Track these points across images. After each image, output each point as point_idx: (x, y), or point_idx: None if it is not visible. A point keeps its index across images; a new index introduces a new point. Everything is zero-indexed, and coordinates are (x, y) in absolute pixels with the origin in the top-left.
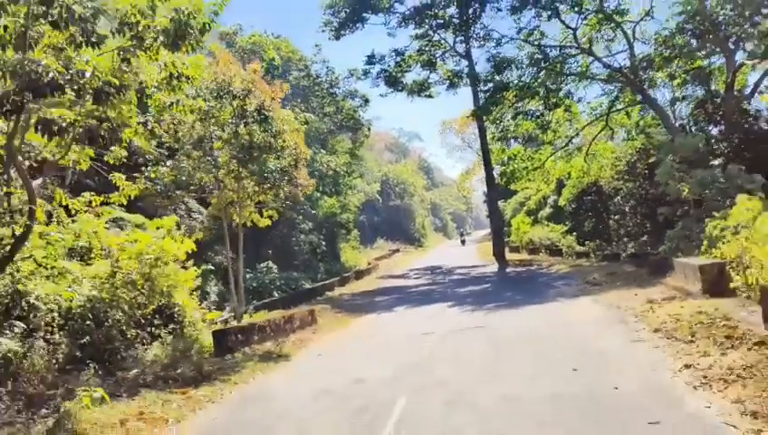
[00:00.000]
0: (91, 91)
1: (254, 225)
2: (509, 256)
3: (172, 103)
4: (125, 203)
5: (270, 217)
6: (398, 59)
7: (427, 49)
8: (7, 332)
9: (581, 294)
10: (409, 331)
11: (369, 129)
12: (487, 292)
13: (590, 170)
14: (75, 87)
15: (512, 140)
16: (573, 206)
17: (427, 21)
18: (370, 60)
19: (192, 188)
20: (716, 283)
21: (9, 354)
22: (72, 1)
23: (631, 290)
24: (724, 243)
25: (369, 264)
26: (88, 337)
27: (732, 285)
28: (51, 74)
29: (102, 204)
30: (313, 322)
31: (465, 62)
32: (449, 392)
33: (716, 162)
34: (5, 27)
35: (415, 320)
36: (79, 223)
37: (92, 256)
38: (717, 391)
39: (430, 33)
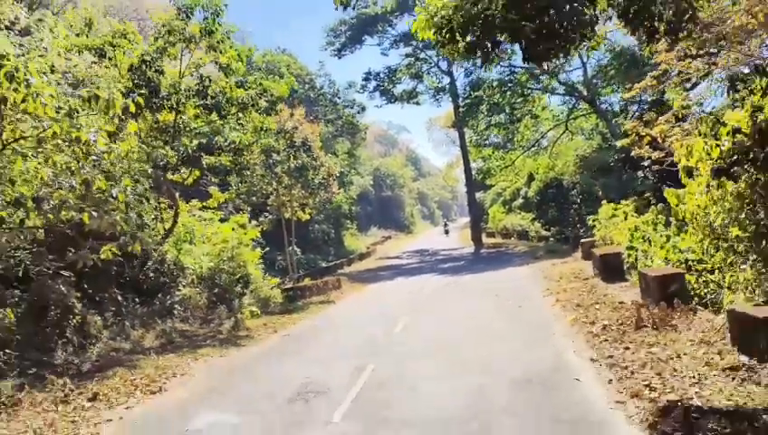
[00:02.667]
0: (234, 149)
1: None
2: (485, 240)
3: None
4: (216, 206)
5: (309, 214)
6: (391, 75)
7: (414, 63)
8: (182, 285)
9: (523, 263)
10: (407, 289)
11: (365, 132)
12: (462, 266)
13: (554, 167)
14: (226, 148)
15: (487, 143)
16: (538, 198)
17: (414, 42)
18: (367, 77)
19: (258, 194)
20: (588, 253)
21: (187, 296)
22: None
23: (553, 260)
24: (596, 229)
25: (368, 248)
26: (216, 290)
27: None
28: (217, 142)
29: (202, 208)
30: (339, 286)
31: (447, 79)
32: (433, 314)
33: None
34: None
35: (409, 283)
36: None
37: (195, 241)
38: (556, 296)
39: (417, 51)
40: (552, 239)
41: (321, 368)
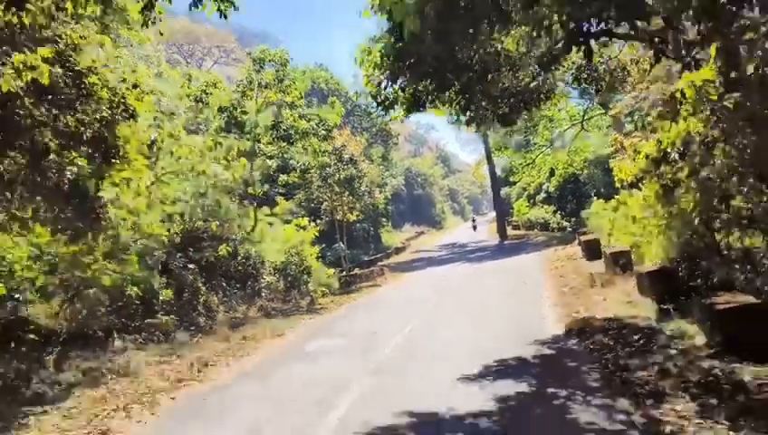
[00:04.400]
0: (302, 169)
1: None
2: (510, 232)
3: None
4: (282, 212)
5: (357, 216)
6: None
7: None
8: (264, 274)
9: (536, 251)
10: (439, 274)
11: (396, 137)
12: (486, 255)
13: (573, 163)
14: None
15: (508, 145)
16: (558, 192)
17: None
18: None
19: (315, 201)
20: (580, 240)
21: (270, 282)
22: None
23: (558, 247)
24: (588, 221)
25: (403, 243)
26: (288, 278)
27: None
28: (291, 164)
29: (270, 215)
30: (383, 274)
31: None
32: (458, 290)
33: None
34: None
35: (440, 270)
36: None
37: (269, 240)
38: (550, 272)
39: None
40: (569, 230)
41: (378, 324)
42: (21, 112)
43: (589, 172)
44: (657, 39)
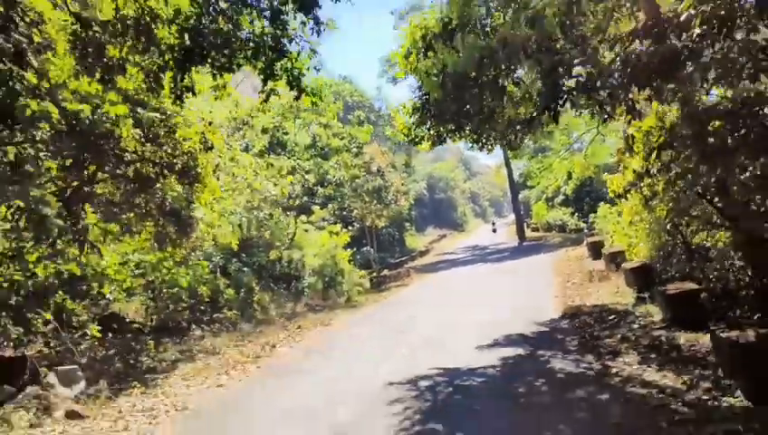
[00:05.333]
0: (336, 183)
1: (367, 227)
2: (529, 234)
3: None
4: (317, 220)
5: (385, 223)
6: None
7: None
8: (304, 277)
9: (549, 252)
10: (461, 274)
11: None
12: (505, 256)
13: (589, 166)
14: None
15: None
16: (575, 195)
17: None
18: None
19: (346, 209)
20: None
21: (312, 283)
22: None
23: (570, 248)
24: (596, 223)
25: (426, 247)
26: (326, 278)
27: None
28: (327, 179)
29: (307, 222)
30: (409, 275)
31: None
32: (477, 288)
33: None
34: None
35: (463, 270)
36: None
37: (307, 245)
38: (558, 269)
39: None
40: (585, 231)
41: (409, 314)
42: (128, 149)
43: (604, 176)
44: (605, 105)
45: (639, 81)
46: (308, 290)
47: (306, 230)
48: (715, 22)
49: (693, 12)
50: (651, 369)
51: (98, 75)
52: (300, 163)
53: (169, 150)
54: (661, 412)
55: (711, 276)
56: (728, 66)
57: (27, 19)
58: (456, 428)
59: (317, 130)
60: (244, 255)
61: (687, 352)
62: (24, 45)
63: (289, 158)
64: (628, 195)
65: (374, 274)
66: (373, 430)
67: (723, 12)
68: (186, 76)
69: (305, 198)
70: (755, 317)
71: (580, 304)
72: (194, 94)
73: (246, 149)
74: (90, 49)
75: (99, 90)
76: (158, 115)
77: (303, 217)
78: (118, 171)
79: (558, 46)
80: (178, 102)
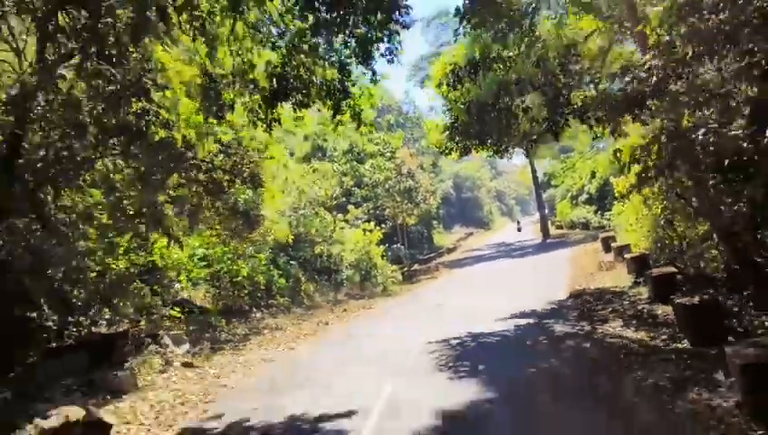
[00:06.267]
0: (373, 184)
1: (399, 224)
2: (553, 232)
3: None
4: (352, 218)
5: (415, 221)
6: None
7: None
8: (342, 270)
9: (570, 247)
10: (485, 268)
11: None
12: (528, 252)
13: (614, 165)
14: (369, 184)
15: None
16: (598, 193)
17: None
18: None
19: (379, 208)
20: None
21: (350, 276)
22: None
23: (588, 244)
24: (612, 220)
25: (453, 244)
26: (362, 272)
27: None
28: (364, 182)
29: (344, 220)
30: (438, 270)
31: None
32: (500, 278)
33: None
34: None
35: (488, 265)
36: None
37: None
38: (575, 262)
39: None
40: (607, 228)
41: (443, 297)
42: (205, 160)
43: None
44: (593, 127)
45: (615, 114)
46: (346, 281)
47: (342, 228)
48: (668, 70)
49: (655, 62)
50: (629, 330)
51: (215, 113)
52: (338, 167)
53: (238, 160)
54: (624, 352)
55: (687, 262)
56: (677, 101)
57: (160, 78)
58: (477, 362)
59: (354, 136)
60: (290, 249)
61: (661, 320)
62: (150, 87)
63: (328, 162)
64: (630, 196)
65: (405, 268)
66: (422, 365)
67: (673, 63)
68: (274, 111)
69: (343, 199)
70: (729, 296)
71: (586, 288)
72: (280, 124)
73: (291, 155)
74: (212, 93)
75: (206, 120)
76: (232, 132)
77: (340, 216)
78: (195, 178)
79: (558, 81)
80: (268, 130)
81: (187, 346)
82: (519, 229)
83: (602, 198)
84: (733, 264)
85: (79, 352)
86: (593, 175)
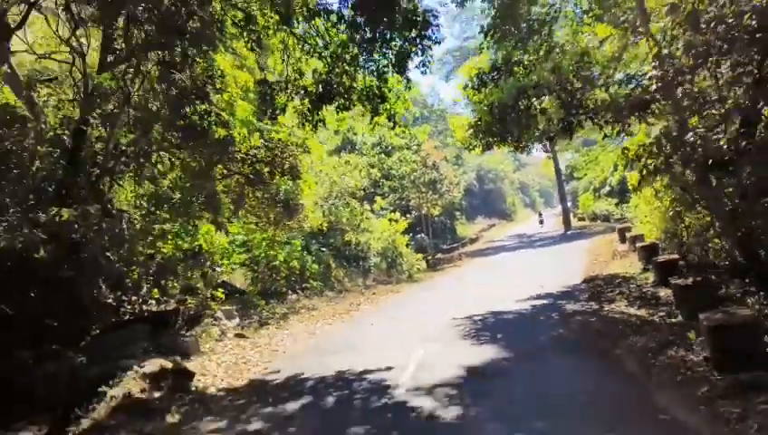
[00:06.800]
0: (400, 176)
1: (423, 215)
2: (575, 223)
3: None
4: (379, 209)
5: (439, 212)
6: None
7: None
8: (370, 258)
9: (589, 238)
10: (507, 257)
11: None
12: (549, 242)
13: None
14: (397, 177)
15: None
16: (620, 185)
17: None
18: None
19: (404, 199)
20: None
21: (377, 263)
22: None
23: (606, 235)
24: (629, 212)
25: (476, 235)
26: (388, 259)
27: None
28: (391, 174)
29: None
30: (461, 259)
31: None
32: (523, 264)
33: None
34: None
35: (511, 254)
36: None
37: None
38: (592, 252)
39: None
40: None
41: (465, 282)
42: (249, 153)
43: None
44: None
45: (621, 116)
46: (374, 268)
47: (368, 218)
48: (666, 79)
49: (654, 73)
50: (632, 308)
51: (268, 115)
52: (367, 159)
53: (278, 153)
54: (624, 324)
55: (692, 251)
56: (677, 106)
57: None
58: (496, 333)
59: (383, 130)
60: (322, 237)
61: (663, 300)
62: (209, 91)
63: (357, 155)
64: (642, 189)
65: (429, 257)
66: (448, 335)
67: (672, 73)
68: (319, 113)
69: (371, 190)
70: (731, 282)
71: (598, 274)
72: (324, 125)
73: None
74: (267, 98)
75: (259, 120)
76: (279, 129)
77: (367, 206)
78: (240, 170)
79: (572, 86)
80: (315, 130)
81: (237, 320)
82: (541, 222)
83: (624, 191)
84: (734, 252)
85: (141, 325)
86: (615, 168)
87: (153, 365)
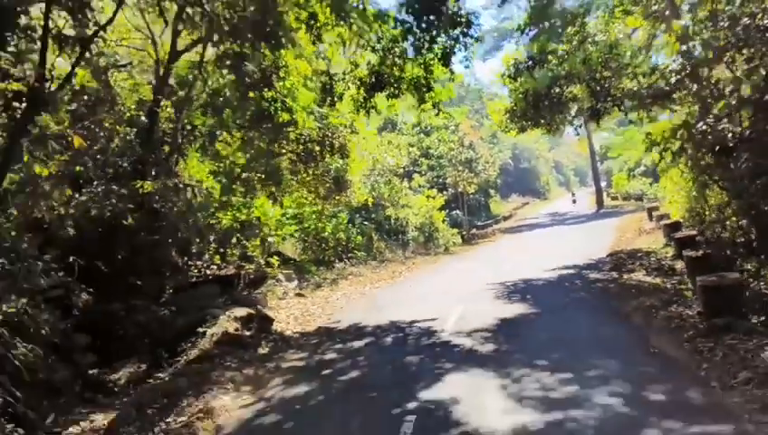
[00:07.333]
0: (439, 155)
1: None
2: (608, 203)
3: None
4: (417, 186)
5: (475, 190)
6: None
7: None
8: (408, 232)
9: (620, 217)
10: (539, 233)
11: None
12: (581, 220)
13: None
14: (435, 156)
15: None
16: (654, 166)
17: None
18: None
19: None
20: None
21: (415, 237)
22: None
23: (639, 214)
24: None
25: (509, 212)
26: (425, 234)
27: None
28: (430, 153)
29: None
30: (495, 234)
31: None
32: (554, 240)
33: None
34: None
35: (543, 231)
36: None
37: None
38: (620, 229)
39: None
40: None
41: (498, 255)
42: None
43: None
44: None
45: (643, 105)
46: (412, 242)
47: (407, 194)
48: (684, 73)
49: (674, 66)
50: (648, 277)
51: (328, 102)
52: (407, 138)
53: (329, 134)
54: (637, 289)
55: (711, 228)
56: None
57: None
58: (526, 294)
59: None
60: (364, 212)
61: (677, 272)
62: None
63: (398, 134)
64: (668, 170)
65: (464, 233)
66: (483, 296)
67: (690, 67)
68: (372, 100)
69: (411, 167)
70: (748, 258)
71: (623, 249)
72: (377, 111)
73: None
74: (327, 87)
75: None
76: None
77: (405, 183)
78: (294, 149)
79: (601, 76)
80: (368, 115)
81: (296, 282)
82: (574, 201)
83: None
84: (750, 229)
85: (210, 285)
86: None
87: (241, 311)
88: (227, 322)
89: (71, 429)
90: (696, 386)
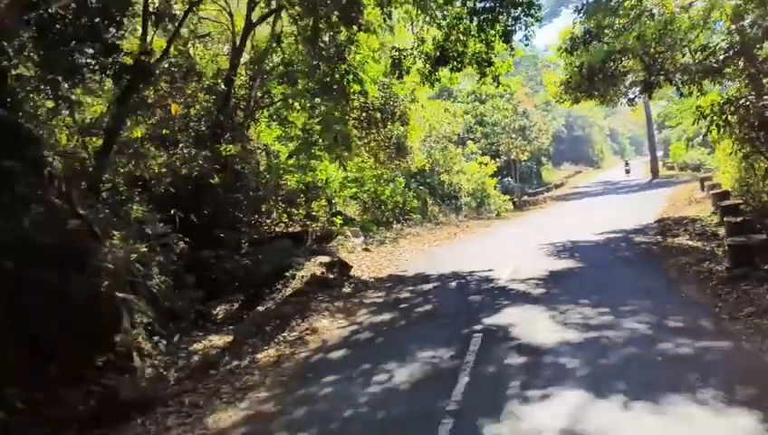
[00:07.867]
0: (493, 123)
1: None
2: (664, 172)
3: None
4: (470, 153)
5: (527, 157)
6: None
7: None
8: (461, 197)
9: (673, 187)
10: (590, 202)
11: None
12: (633, 190)
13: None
14: (490, 124)
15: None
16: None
17: None
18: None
19: (495, 144)
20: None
21: (467, 202)
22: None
23: (692, 183)
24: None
25: (561, 180)
26: (478, 199)
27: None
28: (484, 121)
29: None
30: (545, 202)
31: None
32: (604, 207)
33: None
34: None
35: (594, 199)
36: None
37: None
38: (672, 198)
39: None
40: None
41: (549, 220)
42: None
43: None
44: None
45: (694, 81)
46: (465, 207)
47: (460, 161)
48: (733, 51)
49: (722, 44)
50: (691, 241)
51: (397, 75)
52: (462, 106)
53: (390, 102)
54: (678, 250)
55: (753, 196)
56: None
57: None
58: (573, 253)
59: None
60: (420, 176)
61: (719, 237)
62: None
63: (453, 102)
64: (721, 141)
65: (515, 199)
66: (534, 254)
67: (738, 46)
68: (436, 73)
69: (464, 134)
70: None
71: (671, 216)
72: (440, 82)
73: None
74: (396, 61)
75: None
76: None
77: (460, 150)
78: (358, 116)
79: (655, 51)
80: (431, 86)
81: (362, 239)
82: (627, 171)
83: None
84: None
85: (283, 240)
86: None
87: (324, 258)
88: (314, 266)
89: (194, 345)
90: (708, 317)
